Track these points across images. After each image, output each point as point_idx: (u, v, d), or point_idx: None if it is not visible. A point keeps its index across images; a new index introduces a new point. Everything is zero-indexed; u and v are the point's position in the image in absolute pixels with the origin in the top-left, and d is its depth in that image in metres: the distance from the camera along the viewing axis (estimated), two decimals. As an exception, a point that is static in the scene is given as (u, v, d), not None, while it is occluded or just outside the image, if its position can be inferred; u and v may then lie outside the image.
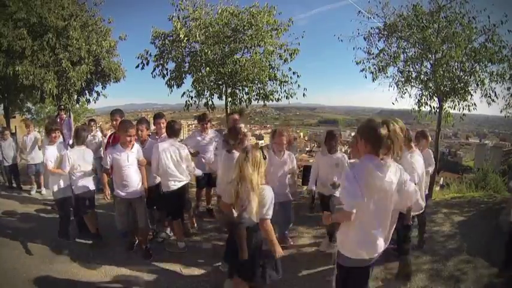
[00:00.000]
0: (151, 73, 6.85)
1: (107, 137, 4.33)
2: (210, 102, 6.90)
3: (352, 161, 3.62)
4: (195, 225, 4.21)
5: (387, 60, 6.59)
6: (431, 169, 4.07)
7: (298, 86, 6.80)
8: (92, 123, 5.96)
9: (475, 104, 6.29)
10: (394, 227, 1.97)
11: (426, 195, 3.57)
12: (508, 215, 3.29)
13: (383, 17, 6.52)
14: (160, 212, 3.98)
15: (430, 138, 4.11)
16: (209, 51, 6.16)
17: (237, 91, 6.91)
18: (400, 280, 3.10)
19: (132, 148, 3.35)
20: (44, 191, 5.79)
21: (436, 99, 6.49)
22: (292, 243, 3.83)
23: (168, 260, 3.45)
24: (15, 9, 6.84)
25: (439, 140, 6.83)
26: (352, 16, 6.92)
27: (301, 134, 62.77)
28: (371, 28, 6.69)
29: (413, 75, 6.55)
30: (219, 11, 6.35)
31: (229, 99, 6.90)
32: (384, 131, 1.75)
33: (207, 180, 4.49)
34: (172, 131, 3.52)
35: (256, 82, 6.65)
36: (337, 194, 3.36)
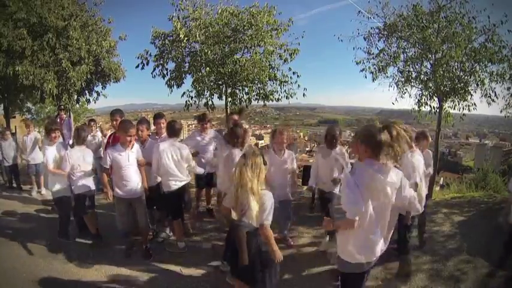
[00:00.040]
0: (151, 73, 6.85)
1: (107, 137, 4.33)
2: (210, 102, 6.90)
3: (352, 161, 3.64)
4: (190, 230, 4.18)
5: (387, 60, 6.59)
6: (430, 170, 4.07)
7: (298, 86, 6.81)
8: (92, 123, 5.96)
9: (475, 104, 6.29)
10: (394, 227, 1.97)
11: (426, 195, 3.57)
12: (507, 216, 3.27)
13: (383, 17, 6.53)
14: (160, 212, 3.98)
15: (430, 139, 4.11)
16: (209, 51, 6.16)
17: (237, 91, 6.91)
18: (400, 280, 3.10)
19: (132, 148, 3.36)
20: (44, 191, 5.79)
21: (436, 99, 6.48)
22: (292, 243, 3.83)
23: (168, 260, 3.46)
24: (15, 9, 6.84)
25: (439, 140, 6.82)
26: (352, 16, 6.93)
27: (301, 134, 62.71)
28: (371, 28, 6.70)
29: (413, 75, 6.54)
30: (219, 11, 6.35)
31: (229, 99, 6.90)
32: (384, 136, 1.76)
33: (206, 181, 4.50)
34: (173, 131, 3.52)
35: (256, 82, 6.65)
36: (336, 190, 3.38)
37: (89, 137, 5.13)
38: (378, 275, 3.14)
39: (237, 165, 2.22)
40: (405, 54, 6.52)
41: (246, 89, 6.81)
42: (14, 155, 6.01)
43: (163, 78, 6.87)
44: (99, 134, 5.82)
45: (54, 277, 3.10)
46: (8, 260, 3.38)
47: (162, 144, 3.47)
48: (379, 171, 1.76)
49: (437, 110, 6.49)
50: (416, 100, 6.69)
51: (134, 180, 3.36)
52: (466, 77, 6.06)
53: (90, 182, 3.73)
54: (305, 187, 5.53)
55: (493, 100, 6.13)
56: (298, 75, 6.73)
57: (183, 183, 3.58)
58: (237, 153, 3.15)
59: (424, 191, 3.20)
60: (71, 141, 5.42)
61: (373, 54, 6.69)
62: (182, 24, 6.26)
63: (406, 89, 6.74)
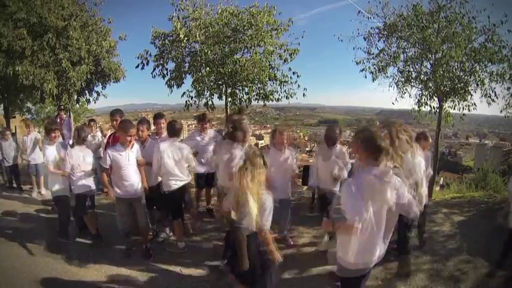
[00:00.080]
0: (151, 73, 6.86)
1: (107, 137, 4.33)
2: (210, 102, 6.90)
3: (352, 161, 3.64)
4: (190, 230, 4.18)
5: (387, 60, 6.59)
6: (430, 170, 4.06)
7: (298, 86, 6.81)
8: (92, 123, 5.97)
9: (475, 104, 6.30)
10: (394, 227, 1.98)
11: (426, 195, 3.56)
12: (506, 219, 3.24)
13: (383, 17, 6.54)
14: (161, 212, 3.98)
15: (430, 139, 4.12)
16: (209, 51, 6.16)
17: (237, 91, 6.91)
18: (400, 280, 3.10)
19: (132, 148, 3.36)
20: (44, 191, 5.78)
21: (436, 99, 6.49)
22: (292, 243, 3.83)
23: (168, 260, 3.46)
24: (15, 9, 6.84)
25: (439, 140, 6.82)
26: (352, 16, 6.95)
27: (301, 134, 62.67)
28: (371, 28, 6.71)
29: (413, 75, 6.55)
30: (219, 11, 6.35)
31: (229, 99, 6.90)
32: (383, 140, 1.77)
33: (206, 181, 4.50)
34: (173, 131, 3.52)
35: (256, 82, 6.65)
36: (336, 188, 3.37)
37: (89, 137, 5.13)
38: (378, 275, 3.13)
39: (238, 169, 2.24)
40: (405, 54, 6.54)
41: (246, 89, 6.81)
42: (14, 155, 6.01)
43: (163, 78, 6.88)
44: (99, 134, 5.82)
45: (54, 277, 3.10)
46: (8, 260, 3.38)
47: (163, 144, 3.46)
48: (379, 177, 1.77)
49: (437, 110, 6.50)
50: (416, 100, 6.71)
51: (134, 180, 3.36)
52: (466, 77, 6.07)
53: (90, 182, 3.73)
54: (305, 187, 5.53)
55: (493, 100, 6.14)
56: (298, 75, 6.75)
57: (184, 183, 3.58)
58: (238, 151, 3.15)
59: (424, 191, 3.20)
60: (71, 141, 5.43)
61: (373, 54, 6.71)
62: (182, 24, 6.27)
63: (406, 89, 6.76)
